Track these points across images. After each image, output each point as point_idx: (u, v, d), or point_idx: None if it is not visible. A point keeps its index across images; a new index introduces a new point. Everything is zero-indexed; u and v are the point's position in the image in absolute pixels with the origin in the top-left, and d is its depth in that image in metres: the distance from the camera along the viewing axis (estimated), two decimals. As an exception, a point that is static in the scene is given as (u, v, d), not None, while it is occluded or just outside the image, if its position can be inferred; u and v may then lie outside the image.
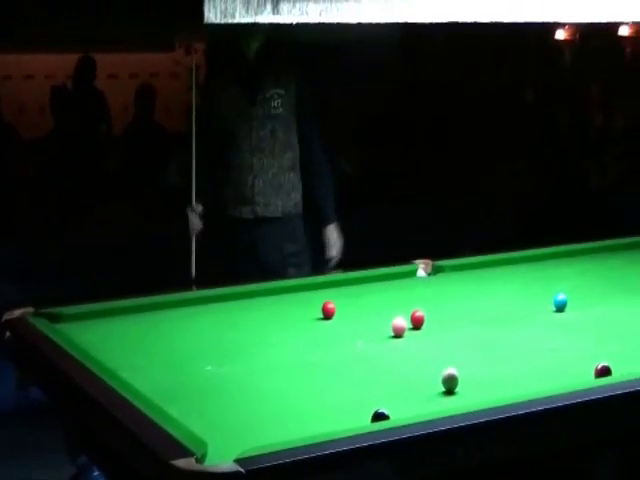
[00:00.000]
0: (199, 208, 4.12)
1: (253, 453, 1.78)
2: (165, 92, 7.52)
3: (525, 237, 5.12)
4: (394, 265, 3.45)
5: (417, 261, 3.48)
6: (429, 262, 3.47)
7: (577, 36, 7.93)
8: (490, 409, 1.95)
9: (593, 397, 2.04)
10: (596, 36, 7.35)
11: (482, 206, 6.68)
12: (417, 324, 2.75)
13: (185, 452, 1.79)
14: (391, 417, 1.95)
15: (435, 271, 3.46)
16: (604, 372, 2.16)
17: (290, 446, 1.80)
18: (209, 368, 2.44)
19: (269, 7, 2.21)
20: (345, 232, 4.20)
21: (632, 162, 6.53)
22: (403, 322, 2.70)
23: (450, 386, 2.17)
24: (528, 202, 6.78)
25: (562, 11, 3.36)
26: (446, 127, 7.44)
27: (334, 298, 2.96)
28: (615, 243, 3.81)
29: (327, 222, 4.14)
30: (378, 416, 1.93)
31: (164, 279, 4.10)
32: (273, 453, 1.78)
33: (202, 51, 6.10)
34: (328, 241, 4.13)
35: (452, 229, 6.21)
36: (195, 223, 4.12)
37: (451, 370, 2.18)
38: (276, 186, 4.07)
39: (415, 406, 2.07)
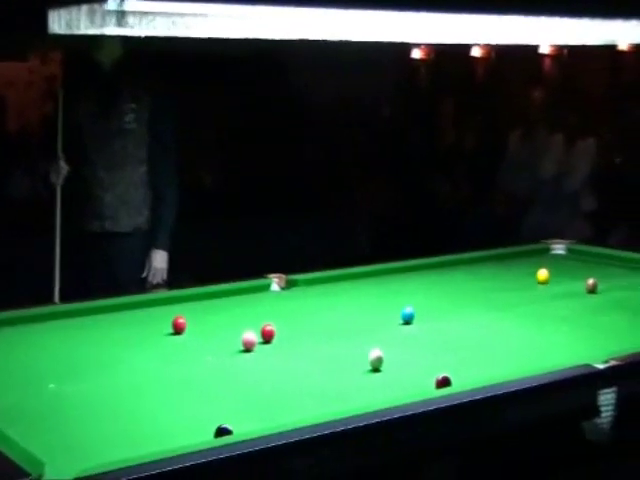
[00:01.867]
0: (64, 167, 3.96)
1: (93, 471, 1.75)
2: (21, 101, 7.33)
3: (381, 252, 5.22)
4: (248, 279, 3.47)
5: (271, 275, 3.50)
6: (283, 276, 3.50)
7: (432, 55, 8.16)
8: (330, 422, 1.98)
9: (433, 407, 2.09)
10: (449, 56, 7.56)
11: (340, 221, 6.77)
12: (267, 338, 2.77)
13: (21, 473, 1.75)
14: (234, 432, 1.96)
15: (289, 285, 3.49)
16: (444, 383, 2.23)
17: (132, 463, 1.78)
18: (52, 386, 2.39)
19: (114, 20, 2.18)
20: (201, 245, 4.18)
21: (480, 178, 6.76)
22: (253, 336, 2.71)
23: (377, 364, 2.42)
24: (384, 218, 6.91)
25: (417, 32, 3.47)
26: (305, 142, 7.51)
27: (187, 313, 2.94)
28: (461, 257, 3.95)
29: (155, 246, 4.08)
30: (221, 431, 1.93)
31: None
32: (113, 470, 1.76)
33: (59, 61, 5.96)
34: (149, 265, 4.08)
35: (310, 244, 6.26)
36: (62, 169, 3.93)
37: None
38: (126, 201, 4.02)
39: (256, 421, 2.08)
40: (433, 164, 7.08)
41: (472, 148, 6.91)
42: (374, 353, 2.48)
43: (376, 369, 2.47)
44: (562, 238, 4.33)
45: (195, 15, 2.38)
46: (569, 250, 4.15)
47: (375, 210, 6.94)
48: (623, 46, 6.68)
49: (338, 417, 2.00)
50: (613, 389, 2.29)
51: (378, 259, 3.83)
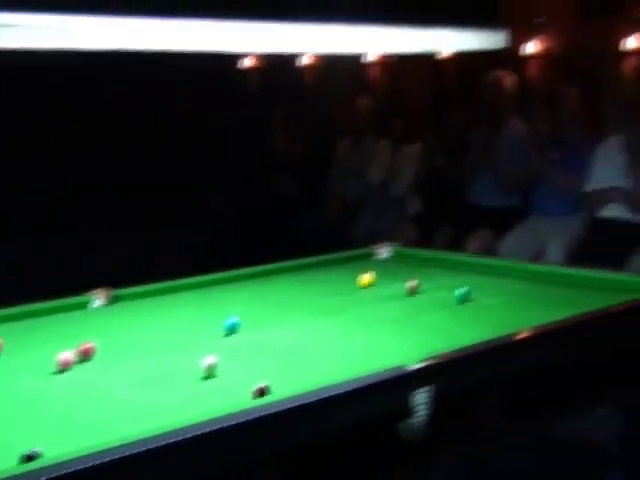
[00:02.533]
0: None
1: None
2: None
3: (218, 263, 5.20)
4: (69, 295, 3.38)
5: (94, 291, 3.43)
6: (106, 291, 3.44)
7: (262, 65, 8.19)
8: (147, 439, 1.95)
9: (250, 417, 2.09)
10: (279, 65, 7.62)
11: (177, 235, 6.70)
12: (86, 356, 2.70)
13: None
14: (45, 454, 1.90)
15: (113, 300, 3.43)
16: (262, 393, 2.23)
17: None
18: None
19: None
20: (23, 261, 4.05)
21: (311, 185, 6.84)
22: (68, 355, 2.64)
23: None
24: (219, 229, 6.89)
25: (241, 42, 3.49)
26: (139, 156, 7.39)
27: (3, 334, 2.85)
28: (288, 265, 3.98)
29: None
30: (28, 457, 1.87)
31: None
32: None
33: None
34: None
35: (140, 257, 6.17)
36: None
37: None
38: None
39: (69, 443, 2.02)
40: (266, 171, 7.11)
41: (302, 155, 6.98)
42: (207, 360, 2.51)
43: (210, 376, 2.49)
44: (390, 241, 4.43)
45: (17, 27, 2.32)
46: (393, 253, 4.26)
47: (210, 221, 6.90)
48: (444, 54, 6.90)
49: (154, 433, 1.96)
50: (427, 388, 2.35)
51: (214, 269, 3.81)
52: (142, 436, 1.95)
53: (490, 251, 5.63)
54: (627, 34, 5.88)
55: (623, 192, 5.40)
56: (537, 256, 5.49)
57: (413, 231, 6.11)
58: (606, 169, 5.47)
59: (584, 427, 3.67)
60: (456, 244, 5.74)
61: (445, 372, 2.45)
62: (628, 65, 5.94)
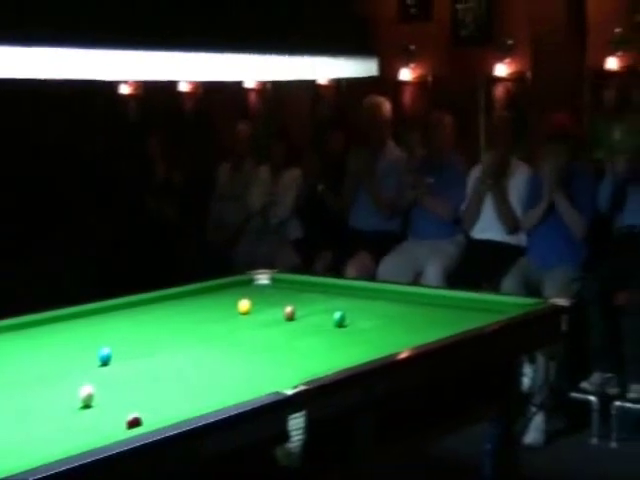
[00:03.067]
0: None
1: None
2: None
3: (101, 291, 5.11)
4: None
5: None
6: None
7: (140, 90, 8.15)
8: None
9: (122, 449, 2.07)
10: (158, 91, 7.58)
11: (55, 264, 6.56)
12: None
13: None
14: None
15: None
16: (135, 423, 2.22)
17: None
18: None
19: None
20: None
21: (192, 211, 6.82)
22: None
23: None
24: (102, 257, 6.79)
25: (125, 69, 3.47)
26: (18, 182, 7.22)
27: None
28: (167, 293, 3.96)
29: None
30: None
31: None
32: None
33: None
34: None
35: (22, 289, 6.02)
36: None
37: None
38: None
39: None
40: (147, 197, 7.04)
41: (183, 181, 6.95)
42: (84, 390, 2.49)
43: (86, 406, 2.47)
44: (271, 267, 4.46)
45: None
46: (273, 279, 4.28)
47: (91, 249, 6.80)
48: (322, 80, 7.02)
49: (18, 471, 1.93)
50: (302, 413, 2.38)
51: (96, 297, 3.77)
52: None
53: (370, 275, 5.71)
54: (497, 61, 6.08)
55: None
56: (415, 278, 5.60)
57: (294, 256, 6.16)
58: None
59: (458, 445, 3.77)
60: (336, 269, 5.81)
61: (320, 396, 2.48)
62: (498, 91, 6.15)
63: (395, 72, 6.56)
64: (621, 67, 5.55)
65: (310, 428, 2.39)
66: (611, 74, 5.62)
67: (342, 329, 3.33)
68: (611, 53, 5.56)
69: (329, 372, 2.59)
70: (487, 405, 3.32)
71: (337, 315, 3.36)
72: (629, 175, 5.04)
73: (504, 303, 3.64)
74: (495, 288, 5.14)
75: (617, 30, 5.52)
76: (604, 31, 5.58)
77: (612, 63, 5.56)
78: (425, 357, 2.84)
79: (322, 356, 2.97)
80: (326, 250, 6.05)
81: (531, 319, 3.34)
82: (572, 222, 5.21)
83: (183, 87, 8.00)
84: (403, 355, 2.82)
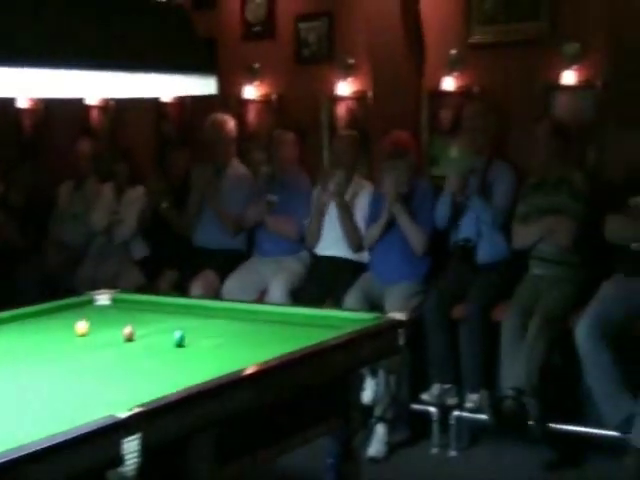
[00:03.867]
0: None
1: None
2: None
3: None
4: None
5: None
6: None
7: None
8: None
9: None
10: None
11: None
12: None
13: None
14: None
15: None
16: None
17: None
18: None
19: None
20: None
21: (32, 232, 6.64)
22: None
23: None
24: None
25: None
26: None
27: None
28: (7, 315, 3.84)
29: None
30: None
31: None
32: None
33: None
34: None
35: None
36: None
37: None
38: None
39: None
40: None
41: (22, 201, 6.75)
42: None
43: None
44: (113, 287, 4.38)
45: None
46: (114, 300, 4.21)
47: None
48: (166, 98, 6.96)
49: None
50: (137, 436, 2.35)
51: None
52: None
53: (215, 293, 5.70)
54: (339, 80, 6.18)
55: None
56: (260, 296, 5.63)
57: (139, 276, 6.08)
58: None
59: (301, 460, 3.81)
60: (181, 287, 5.77)
61: (156, 419, 2.45)
62: (341, 110, 6.25)
63: (240, 90, 6.57)
64: (457, 87, 5.74)
65: (145, 451, 2.36)
66: (447, 94, 5.79)
67: (182, 349, 3.31)
68: (447, 74, 5.73)
69: (166, 393, 2.57)
70: (328, 419, 3.36)
71: (177, 335, 3.34)
72: (460, 191, 5.24)
73: (345, 319, 3.70)
74: (338, 304, 5.23)
75: (452, 51, 5.70)
76: (441, 52, 5.76)
77: (448, 84, 5.74)
78: (263, 374, 2.85)
79: (160, 377, 2.94)
80: (171, 269, 6.00)
81: (369, 333, 3.40)
82: (412, 237, 5.35)
83: (22, 104, 7.77)
84: (242, 373, 2.82)
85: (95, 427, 2.31)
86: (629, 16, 4.96)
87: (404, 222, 5.35)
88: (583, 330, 4.60)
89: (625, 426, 4.51)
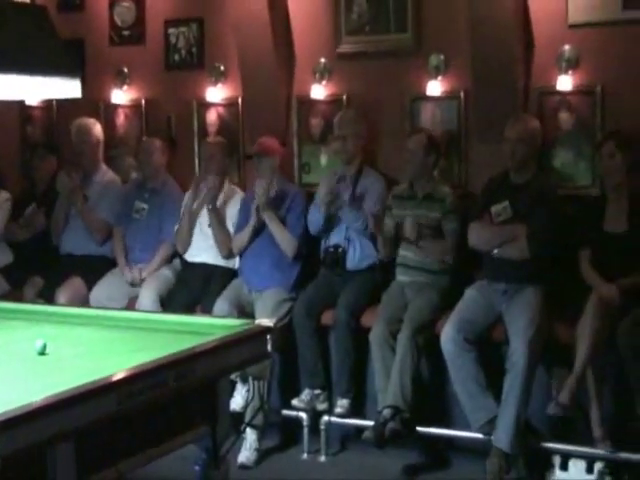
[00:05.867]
0: None
1: None
2: None
3: None
4: None
5: None
6: None
7: None
8: None
9: None
10: None
11: None
12: None
13: None
14: None
15: None
16: None
17: None
18: None
19: None
20: None
21: None
22: None
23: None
24: None
25: None
26: None
27: None
28: None
29: None
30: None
31: None
32: None
33: None
34: None
35: None
36: None
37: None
38: None
39: None
40: None
41: None
42: None
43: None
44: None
45: None
46: (-25, 308, 4.07)
47: None
48: (32, 102, 6.79)
49: None
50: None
51: None
52: None
53: (82, 301, 5.59)
54: (209, 86, 6.15)
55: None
56: (130, 303, 5.54)
57: (3, 283, 5.89)
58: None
59: (169, 468, 3.77)
60: (47, 295, 5.63)
61: (9, 430, 2.38)
62: (211, 116, 6.22)
63: (109, 94, 6.46)
64: (326, 96, 5.79)
65: (2, 461, 2.30)
66: (317, 102, 5.84)
67: (43, 357, 3.23)
68: (316, 82, 5.78)
69: (24, 403, 2.50)
70: (195, 427, 3.33)
71: (38, 343, 3.25)
72: (331, 203, 5.29)
73: (213, 325, 3.69)
74: (208, 311, 5.20)
75: (322, 60, 5.75)
76: (310, 61, 5.80)
77: (318, 92, 5.79)
78: (125, 382, 2.81)
79: (19, 386, 2.86)
80: (36, 276, 5.84)
81: (236, 340, 3.40)
82: (283, 242, 5.37)
83: None
84: (103, 381, 2.77)
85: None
86: (490, 29, 5.10)
87: (274, 227, 5.37)
88: (448, 334, 4.71)
89: (488, 428, 4.65)
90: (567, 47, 5.11)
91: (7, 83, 3.34)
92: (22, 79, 3.38)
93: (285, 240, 5.38)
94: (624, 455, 4.48)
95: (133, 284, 5.65)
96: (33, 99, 6.63)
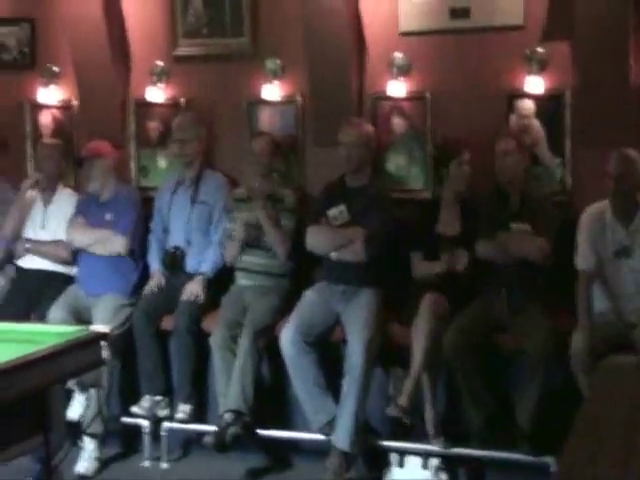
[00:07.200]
0: None
1: None
2: None
3: None
4: None
5: None
6: None
7: None
8: None
9: None
10: None
11: None
12: None
13: None
14: None
15: None
16: None
17: None
18: None
19: None
20: None
21: None
22: None
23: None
24: None
25: None
26: None
27: None
28: None
29: None
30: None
31: None
32: None
33: None
34: None
35: None
36: None
37: None
38: None
39: None
40: None
41: None
42: None
43: None
44: None
45: None
46: None
47: None
48: None
49: None
50: None
51: None
52: None
53: None
54: (42, 87, 5.98)
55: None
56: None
57: None
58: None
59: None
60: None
61: None
62: (44, 118, 6.05)
63: None
64: (164, 99, 5.74)
65: None
66: (154, 105, 5.78)
67: None
68: (153, 84, 5.71)
69: None
70: (28, 437, 3.24)
71: None
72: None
73: (47, 333, 3.58)
74: (43, 318, 5.06)
75: (158, 62, 5.69)
76: (146, 63, 5.73)
77: (155, 94, 5.73)
78: None
79: None
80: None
81: (69, 347, 3.32)
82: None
83: None
84: None
85: None
86: (323, 35, 5.18)
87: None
88: (287, 336, 4.75)
89: (328, 429, 4.72)
90: (398, 54, 5.25)
91: None
92: None
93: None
94: (457, 450, 4.64)
95: None
96: None
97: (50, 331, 3.65)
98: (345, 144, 4.97)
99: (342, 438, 4.63)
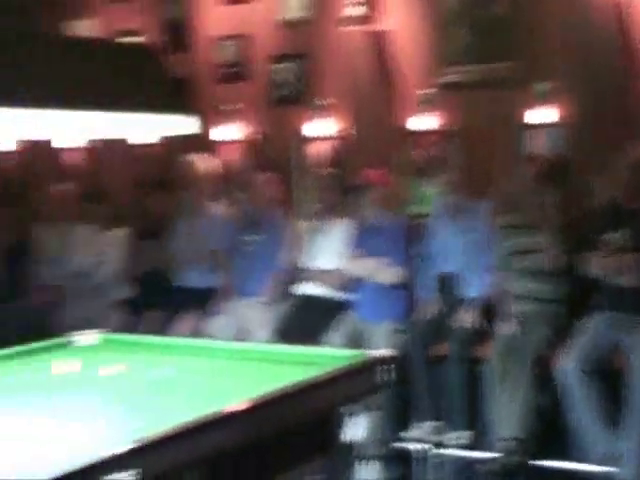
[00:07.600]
0: None
1: None
2: None
3: None
4: None
5: None
6: None
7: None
8: None
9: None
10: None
11: None
12: None
13: None
14: None
15: None
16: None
17: None
18: None
19: None
20: None
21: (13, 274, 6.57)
22: None
23: None
24: None
25: None
26: None
27: None
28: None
29: None
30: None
31: None
32: None
33: None
34: None
35: None
36: None
37: None
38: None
39: None
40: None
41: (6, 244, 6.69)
42: None
43: None
44: (97, 328, 4.36)
45: None
46: (99, 340, 4.20)
47: None
48: (143, 139, 6.97)
49: None
50: (135, 471, 2.36)
51: None
52: None
53: (198, 332, 5.69)
54: (311, 121, 6.22)
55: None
56: (244, 335, 5.62)
57: (121, 316, 6.05)
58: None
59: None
60: (164, 328, 5.75)
61: (152, 454, 2.46)
62: (311, 150, 6.29)
63: (215, 131, 6.59)
64: (432, 126, 5.81)
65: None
66: (422, 133, 5.86)
67: (168, 387, 3.32)
68: (419, 113, 5.79)
69: (160, 430, 2.58)
70: (312, 458, 3.34)
71: (164, 372, 3.35)
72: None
73: (327, 357, 3.69)
74: (322, 343, 5.23)
75: (424, 91, 5.76)
76: (413, 92, 5.82)
77: (421, 122, 5.80)
78: (249, 412, 2.85)
79: (152, 414, 2.94)
80: (153, 310, 5.98)
81: (351, 371, 3.41)
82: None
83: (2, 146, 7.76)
84: (229, 410, 2.83)
85: (88, 465, 2.32)
86: (595, 57, 5.08)
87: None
88: (567, 365, 4.62)
89: (610, 460, 4.54)
90: None
91: (130, 122, 3.45)
92: (145, 117, 3.48)
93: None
94: None
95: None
96: (153, 136, 6.77)
97: (331, 355, 3.76)
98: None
99: (628, 472, 4.45)
